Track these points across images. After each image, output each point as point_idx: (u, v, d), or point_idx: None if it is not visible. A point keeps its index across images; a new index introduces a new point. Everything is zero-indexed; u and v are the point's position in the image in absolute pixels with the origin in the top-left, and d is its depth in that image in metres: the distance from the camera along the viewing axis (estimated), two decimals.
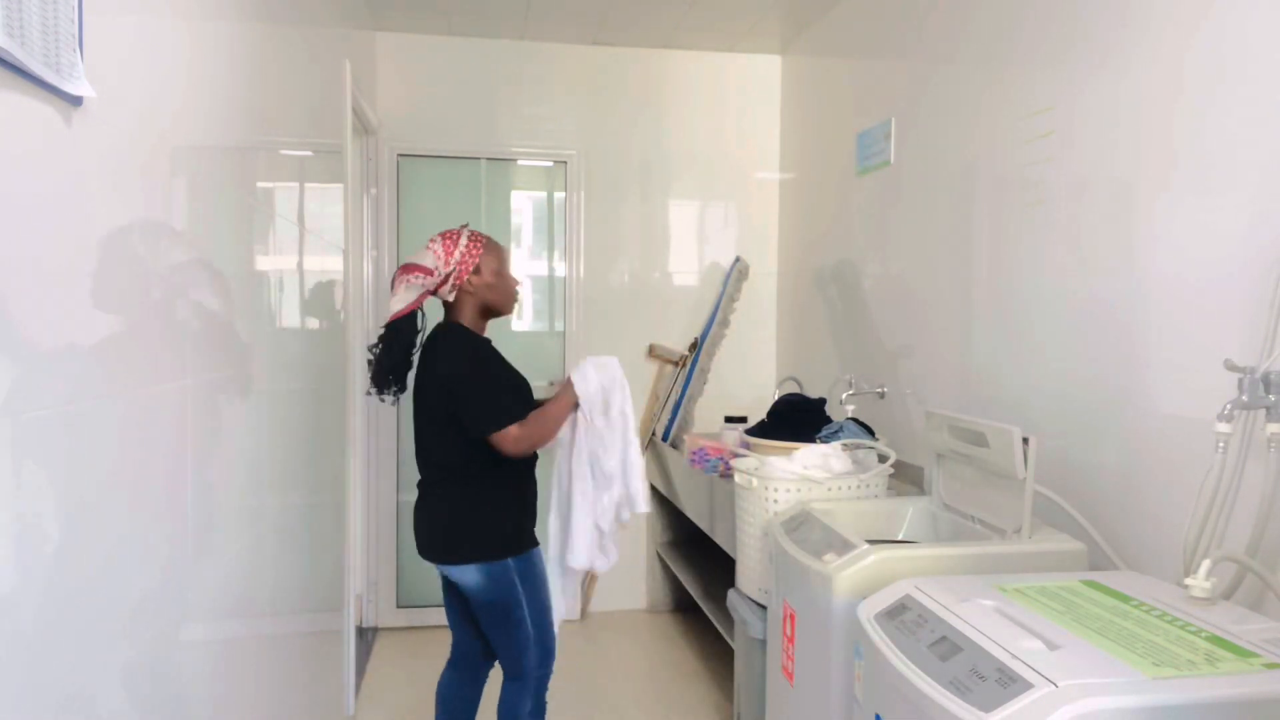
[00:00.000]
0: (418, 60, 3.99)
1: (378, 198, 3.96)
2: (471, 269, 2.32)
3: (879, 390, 3.09)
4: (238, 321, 1.81)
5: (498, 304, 2.39)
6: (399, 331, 2.33)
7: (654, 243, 4.18)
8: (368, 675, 3.53)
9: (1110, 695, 1.11)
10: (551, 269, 4.20)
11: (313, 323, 2.57)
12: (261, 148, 2.01)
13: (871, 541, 1.82)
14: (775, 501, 2.28)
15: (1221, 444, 1.53)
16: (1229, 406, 1.51)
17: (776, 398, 3.05)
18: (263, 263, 2.02)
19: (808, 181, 3.91)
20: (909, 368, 2.94)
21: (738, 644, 2.69)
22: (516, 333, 4.18)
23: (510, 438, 2.24)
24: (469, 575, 2.30)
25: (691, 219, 4.24)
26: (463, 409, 2.24)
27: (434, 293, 2.34)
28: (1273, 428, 1.48)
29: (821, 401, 2.94)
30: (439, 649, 3.83)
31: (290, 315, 2.30)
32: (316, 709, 2.61)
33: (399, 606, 4.09)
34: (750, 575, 2.41)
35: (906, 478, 2.79)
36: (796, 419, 2.82)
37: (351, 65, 3.00)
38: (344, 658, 3.06)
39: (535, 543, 2.41)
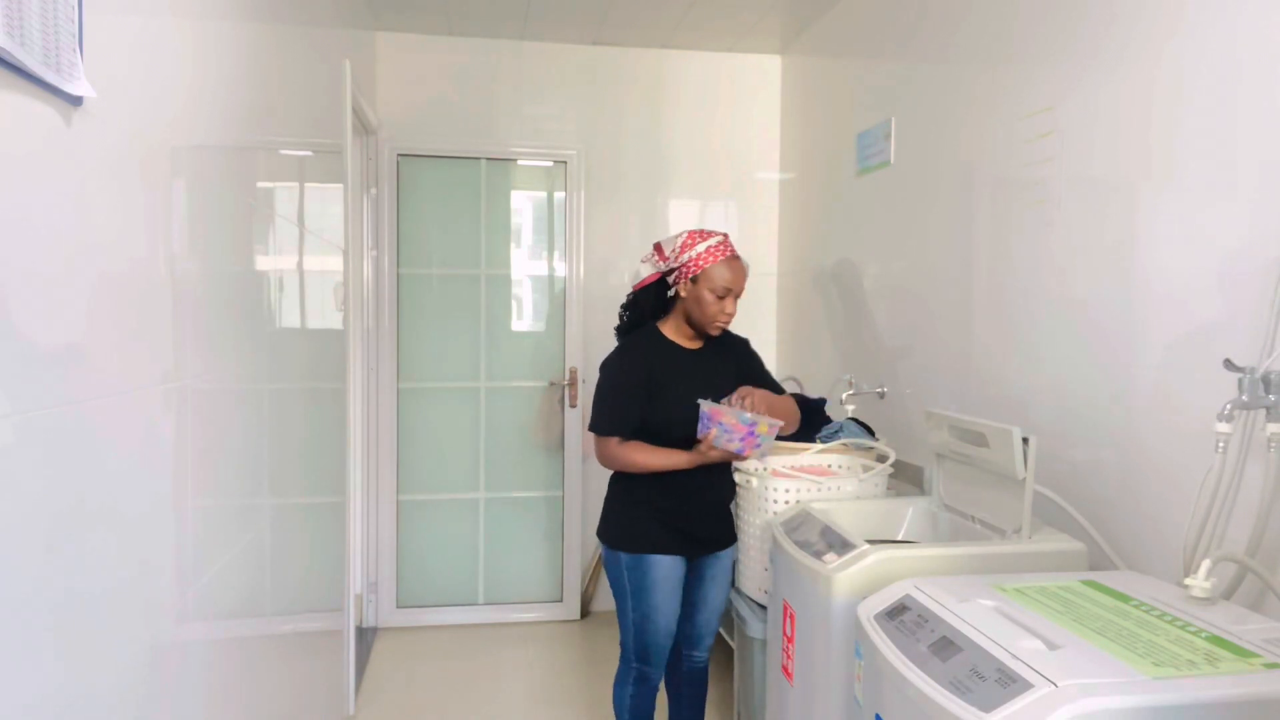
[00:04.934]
0: (418, 60, 3.99)
1: (378, 198, 3.96)
2: (691, 275, 2.34)
3: (879, 390, 3.09)
4: (238, 321, 1.81)
5: (695, 321, 2.40)
6: (635, 302, 2.49)
7: (654, 243, 4.17)
8: (368, 675, 3.53)
9: (1110, 695, 1.11)
10: (551, 269, 4.20)
11: (313, 323, 2.57)
12: (261, 148, 2.01)
13: (871, 541, 1.82)
14: (775, 501, 2.28)
15: (1221, 444, 1.52)
16: (1229, 406, 1.51)
17: None
18: (263, 263, 2.02)
19: (808, 181, 3.91)
20: (909, 368, 2.94)
21: (738, 644, 2.69)
22: (516, 333, 4.18)
23: (603, 450, 2.38)
24: (604, 550, 2.48)
25: (691, 219, 4.23)
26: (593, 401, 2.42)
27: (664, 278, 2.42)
28: (1273, 428, 1.48)
29: (822, 401, 2.94)
30: (439, 649, 3.85)
31: (290, 315, 2.30)
32: (316, 709, 2.61)
33: (399, 606, 4.09)
34: (750, 575, 2.42)
35: (906, 478, 2.79)
36: None
37: (351, 65, 3.00)
38: (344, 658, 3.06)
39: (659, 550, 2.37)
